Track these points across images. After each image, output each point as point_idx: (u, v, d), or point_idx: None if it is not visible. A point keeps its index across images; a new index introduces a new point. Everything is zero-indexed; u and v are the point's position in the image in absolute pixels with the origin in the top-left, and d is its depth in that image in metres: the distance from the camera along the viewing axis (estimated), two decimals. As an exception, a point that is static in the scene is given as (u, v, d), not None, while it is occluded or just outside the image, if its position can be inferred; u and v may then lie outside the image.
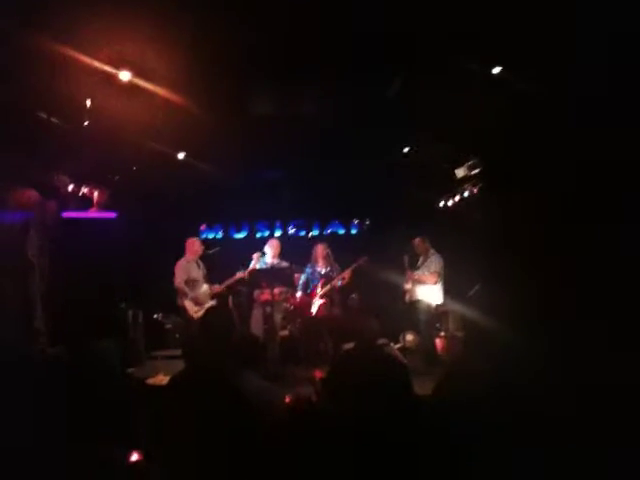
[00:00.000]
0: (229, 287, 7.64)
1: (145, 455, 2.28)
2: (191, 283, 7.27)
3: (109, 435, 2.37)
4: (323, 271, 7.61)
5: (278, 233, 10.44)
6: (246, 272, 7.32)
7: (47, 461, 1.88)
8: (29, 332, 6.66)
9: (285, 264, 7.43)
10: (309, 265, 7.74)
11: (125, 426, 2.63)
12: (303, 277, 7.69)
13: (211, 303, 7.37)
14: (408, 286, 7.73)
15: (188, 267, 7.33)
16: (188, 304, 7.24)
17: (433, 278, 7.49)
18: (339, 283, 7.56)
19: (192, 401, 2.63)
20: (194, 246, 7.45)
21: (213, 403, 2.58)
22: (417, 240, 7.80)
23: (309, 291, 7.64)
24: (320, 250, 7.65)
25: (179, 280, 7.21)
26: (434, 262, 7.58)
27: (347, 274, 7.52)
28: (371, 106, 5.93)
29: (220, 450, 2.36)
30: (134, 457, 2.26)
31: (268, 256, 7.41)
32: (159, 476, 1.94)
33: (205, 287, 7.37)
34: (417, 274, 7.61)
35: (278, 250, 7.44)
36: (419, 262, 7.77)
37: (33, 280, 6.93)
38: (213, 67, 4.59)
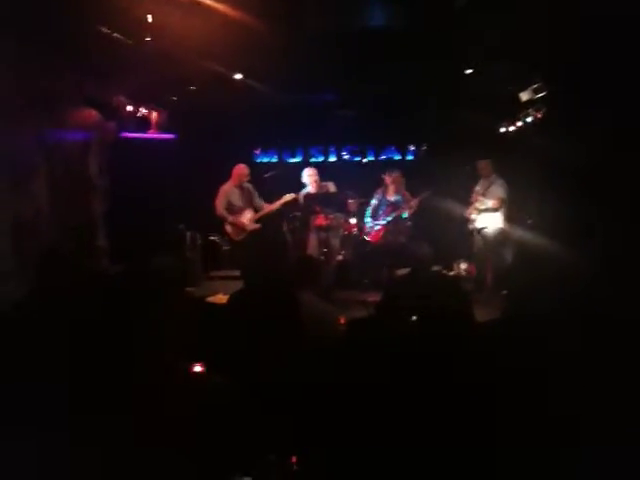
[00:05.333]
0: (282, 211, 7.69)
1: (207, 367, 2.36)
2: (231, 208, 7.37)
3: (172, 346, 2.45)
4: (392, 199, 7.58)
5: (332, 158, 10.36)
6: (300, 196, 7.33)
7: (113, 369, 1.95)
8: (92, 251, 6.90)
9: (333, 188, 7.39)
10: (379, 191, 7.72)
11: (187, 340, 2.72)
12: (374, 203, 7.70)
13: (254, 227, 7.47)
14: (472, 214, 7.63)
15: (228, 192, 7.42)
16: (229, 228, 7.39)
17: (498, 204, 7.35)
18: (406, 214, 7.54)
19: (251, 317, 2.69)
20: (237, 171, 7.49)
21: (271, 320, 2.63)
22: (483, 162, 7.64)
23: (377, 217, 7.67)
24: (394, 178, 7.60)
25: (219, 205, 7.35)
26: (500, 187, 7.44)
27: (415, 203, 7.48)
28: (432, 22, 5.65)
29: (277, 364, 2.42)
30: (197, 368, 2.35)
31: (307, 184, 7.37)
32: (220, 387, 2.01)
33: (248, 212, 7.44)
34: (482, 200, 7.49)
35: (316, 177, 7.37)
36: (482, 188, 7.62)
37: (95, 200, 7.12)
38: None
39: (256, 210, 7.51)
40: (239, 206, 7.42)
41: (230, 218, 7.36)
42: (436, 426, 1.85)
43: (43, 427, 1.66)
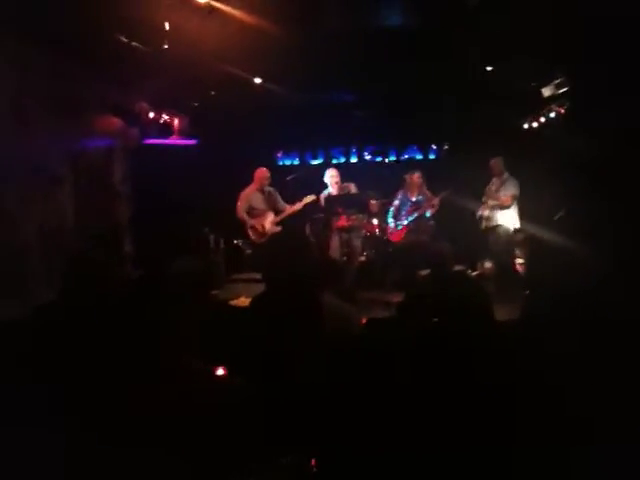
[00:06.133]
0: (305, 214, 7.70)
1: (230, 370, 2.38)
2: (252, 212, 7.41)
3: (195, 350, 2.47)
4: (414, 199, 7.57)
5: (354, 159, 10.36)
6: (321, 198, 7.34)
7: (137, 372, 1.98)
8: (117, 256, 6.99)
9: (354, 189, 7.38)
10: (401, 192, 7.71)
11: (210, 343, 2.75)
12: (396, 203, 7.69)
13: (275, 230, 7.48)
14: (485, 213, 7.60)
15: (250, 196, 7.49)
16: (250, 231, 7.44)
17: (509, 200, 7.34)
18: (428, 213, 7.52)
19: (274, 319, 2.71)
20: (258, 175, 7.54)
21: (294, 321, 2.64)
22: (495, 160, 7.62)
23: (399, 218, 7.65)
24: (415, 178, 7.59)
25: (240, 209, 7.41)
26: (512, 185, 7.43)
27: (436, 202, 7.46)
28: (452, 19, 5.60)
29: (300, 365, 2.43)
30: (219, 372, 2.37)
31: (329, 186, 7.36)
32: (243, 389, 2.02)
33: (269, 215, 7.46)
34: (496, 196, 7.47)
35: (337, 178, 7.36)
36: (494, 186, 7.60)
37: (119, 205, 7.22)
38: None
39: (277, 213, 7.54)
40: (260, 209, 7.47)
41: (251, 221, 7.41)
42: (458, 426, 1.85)
43: (64, 426, 1.70)
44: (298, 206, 7.46)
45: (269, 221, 7.47)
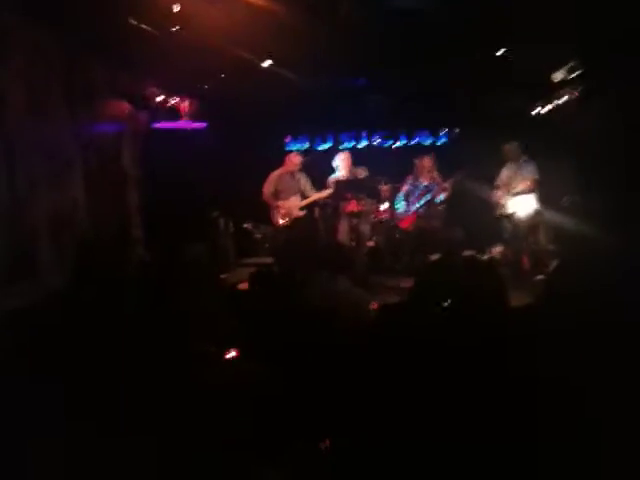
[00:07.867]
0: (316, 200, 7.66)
1: (240, 352, 2.39)
2: (278, 195, 7.38)
3: (205, 334, 2.47)
4: (425, 183, 7.50)
5: (363, 144, 10.31)
6: (330, 182, 7.30)
7: (146, 357, 1.98)
8: (128, 240, 7.02)
9: (364, 174, 7.32)
10: (411, 176, 7.65)
11: (219, 326, 2.75)
12: (406, 188, 7.63)
13: (298, 214, 7.45)
14: (502, 199, 7.46)
15: (277, 179, 7.44)
16: (273, 214, 7.41)
17: (532, 185, 7.19)
18: (441, 197, 7.44)
19: (282, 303, 2.71)
20: (289, 159, 7.52)
21: (302, 304, 2.64)
22: (509, 146, 7.46)
23: (409, 203, 7.60)
24: (426, 162, 7.51)
25: (265, 191, 7.40)
26: (533, 169, 7.28)
27: (449, 184, 7.37)
28: (463, 3, 5.53)
29: (309, 348, 2.43)
30: (231, 354, 2.37)
31: (340, 169, 7.29)
32: (254, 371, 2.02)
33: (294, 199, 7.42)
34: (517, 181, 7.34)
35: (349, 162, 7.30)
36: (510, 172, 7.46)
37: (129, 190, 7.22)
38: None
39: (304, 198, 7.49)
40: (286, 193, 7.42)
41: (275, 203, 7.40)
42: (468, 414, 1.83)
43: (72, 412, 1.70)
44: (325, 194, 7.39)
45: (293, 205, 7.42)
